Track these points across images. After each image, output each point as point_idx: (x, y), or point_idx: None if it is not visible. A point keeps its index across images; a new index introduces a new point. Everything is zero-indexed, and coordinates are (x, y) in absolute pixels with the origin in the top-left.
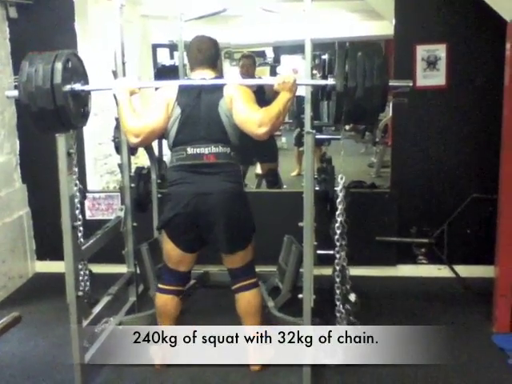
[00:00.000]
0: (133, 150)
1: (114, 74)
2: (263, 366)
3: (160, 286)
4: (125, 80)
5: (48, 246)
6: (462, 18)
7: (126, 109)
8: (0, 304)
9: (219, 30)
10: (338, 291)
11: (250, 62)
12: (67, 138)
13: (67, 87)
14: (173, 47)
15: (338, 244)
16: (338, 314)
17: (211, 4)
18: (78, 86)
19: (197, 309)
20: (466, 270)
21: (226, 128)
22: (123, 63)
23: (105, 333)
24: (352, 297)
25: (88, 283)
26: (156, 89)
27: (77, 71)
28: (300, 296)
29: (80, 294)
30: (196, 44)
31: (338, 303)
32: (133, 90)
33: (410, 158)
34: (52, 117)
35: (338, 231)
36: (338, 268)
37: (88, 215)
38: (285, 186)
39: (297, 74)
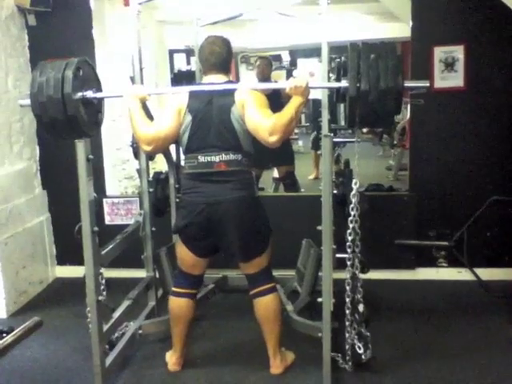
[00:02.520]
0: (151, 156)
1: (132, 79)
2: (284, 369)
3: (174, 289)
4: (134, 87)
5: (68, 251)
6: (479, 18)
7: (137, 116)
8: (21, 309)
9: (235, 35)
10: (347, 299)
11: (265, 63)
12: (86, 143)
13: (78, 95)
14: (189, 52)
15: (349, 251)
16: (347, 323)
17: (227, 9)
18: (89, 94)
19: (215, 313)
20: (486, 273)
21: (239, 134)
22: (141, 69)
23: (125, 337)
24: (360, 307)
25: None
26: None
27: (88, 78)
28: (319, 300)
29: (100, 298)
30: (208, 47)
31: (347, 312)
32: (143, 97)
33: (429, 161)
34: (64, 126)
35: (350, 237)
36: (348, 276)
37: (107, 220)
38: (302, 190)
39: (313, 77)
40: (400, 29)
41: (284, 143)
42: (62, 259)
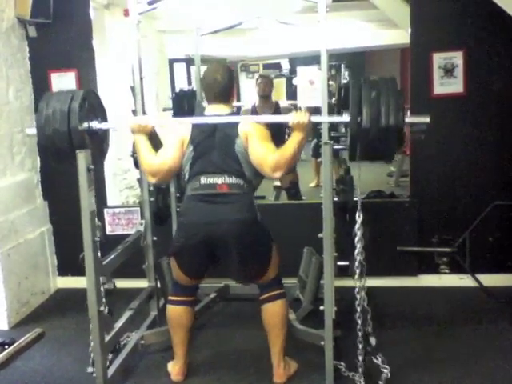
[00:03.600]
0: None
1: (132, 89)
2: (287, 379)
3: (171, 297)
4: (139, 118)
5: (69, 262)
6: (477, 24)
7: (143, 148)
8: (23, 320)
9: (235, 43)
10: (359, 333)
11: (266, 81)
12: (87, 154)
13: (84, 126)
14: (189, 62)
15: (358, 284)
16: (360, 358)
17: (227, 17)
18: (95, 125)
19: (217, 322)
20: (489, 279)
21: (242, 163)
22: (141, 78)
23: (127, 347)
24: (372, 341)
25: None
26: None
27: (94, 109)
28: (321, 308)
29: (102, 308)
30: (210, 76)
31: (359, 346)
32: (147, 128)
33: (430, 167)
34: (69, 156)
35: (357, 271)
36: (358, 309)
37: (108, 230)
38: (304, 198)
39: (313, 85)
40: (399, 35)
41: None
42: (64, 270)
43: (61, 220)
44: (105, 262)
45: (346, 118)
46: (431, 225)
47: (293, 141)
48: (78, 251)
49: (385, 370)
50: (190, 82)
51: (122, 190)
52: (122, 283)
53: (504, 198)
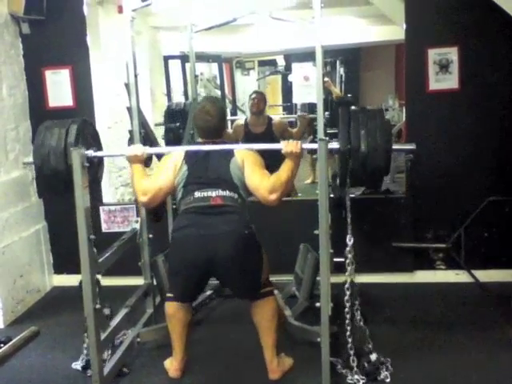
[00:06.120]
0: (147, 162)
1: (127, 86)
2: (282, 374)
3: (169, 294)
4: (135, 147)
5: (65, 260)
6: (472, 20)
7: (137, 174)
8: (18, 318)
9: (230, 40)
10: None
11: (260, 97)
12: (81, 151)
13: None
14: (184, 58)
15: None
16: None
17: (221, 14)
18: (90, 153)
19: (213, 318)
20: (484, 275)
21: (236, 182)
22: (135, 75)
23: (123, 345)
24: (373, 357)
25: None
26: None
27: (89, 138)
28: (317, 304)
29: (98, 306)
30: (201, 117)
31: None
32: (142, 156)
33: (425, 162)
34: (64, 178)
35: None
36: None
37: (104, 228)
38: (299, 194)
39: (308, 82)
40: (394, 31)
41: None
42: (59, 268)
43: (56, 217)
44: (100, 260)
45: (334, 144)
46: (426, 220)
47: (286, 168)
48: (74, 249)
49: (382, 366)
50: (185, 79)
51: (118, 187)
52: (117, 281)
53: (498, 194)
